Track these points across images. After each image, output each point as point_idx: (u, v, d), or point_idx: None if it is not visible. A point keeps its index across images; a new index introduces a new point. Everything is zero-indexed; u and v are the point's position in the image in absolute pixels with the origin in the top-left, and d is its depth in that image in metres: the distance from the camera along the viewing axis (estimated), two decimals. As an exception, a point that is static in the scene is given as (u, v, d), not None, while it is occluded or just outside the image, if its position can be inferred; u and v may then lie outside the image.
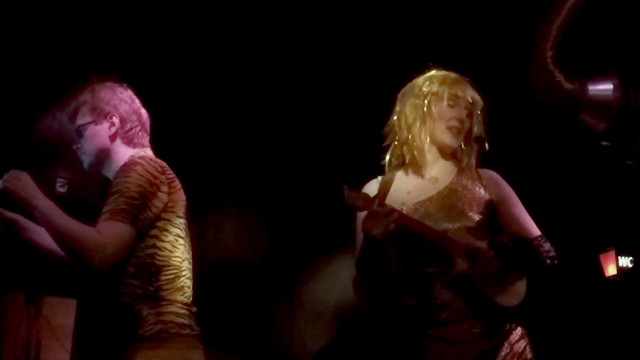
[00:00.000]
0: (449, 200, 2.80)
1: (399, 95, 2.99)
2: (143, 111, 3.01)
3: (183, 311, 2.74)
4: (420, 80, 2.96)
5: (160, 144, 3.11)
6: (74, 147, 2.96)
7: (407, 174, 2.91)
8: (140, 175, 2.67)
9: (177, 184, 2.84)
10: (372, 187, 2.89)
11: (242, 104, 5.34)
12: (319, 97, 5.36)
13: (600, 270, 6.64)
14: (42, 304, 3.85)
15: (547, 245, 2.76)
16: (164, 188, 2.73)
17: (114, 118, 2.89)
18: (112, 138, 2.89)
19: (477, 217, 2.77)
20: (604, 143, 2.20)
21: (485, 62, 4.89)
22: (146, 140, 2.99)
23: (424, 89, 2.91)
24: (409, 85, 2.99)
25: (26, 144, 4.53)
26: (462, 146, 2.94)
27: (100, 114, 2.88)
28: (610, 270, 6.63)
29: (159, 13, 4.89)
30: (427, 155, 2.88)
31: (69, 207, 2.89)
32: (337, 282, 5.34)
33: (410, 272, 2.71)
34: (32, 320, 3.78)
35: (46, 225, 2.64)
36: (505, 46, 4.53)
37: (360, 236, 2.72)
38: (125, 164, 2.77)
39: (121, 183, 2.65)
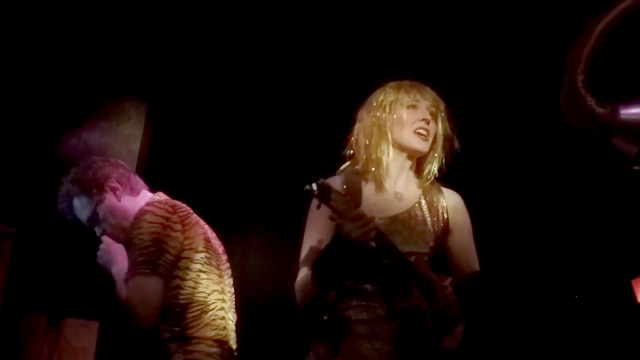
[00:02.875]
0: (413, 222, 2.70)
1: (358, 114, 2.88)
2: (117, 160, 3.07)
3: (213, 350, 2.73)
4: (375, 94, 2.87)
5: (184, 173, 3.13)
6: (98, 234, 2.96)
7: (369, 182, 2.75)
8: (151, 222, 2.70)
9: (193, 219, 2.86)
10: (337, 186, 2.65)
11: (272, 129, 5.34)
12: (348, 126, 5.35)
13: (632, 296, 6.55)
14: (64, 326, 3.85)
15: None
16: (177, 227, 2.75)
17: (111, 183, 2.91)
18: (120, 199, 2.90)
19: (431, 244, 2.70)
20: (637, 168, 2.15)
21: (516, 84, 4.85)
22: (140, 181, 3.03)
23: (381, 100, 2.81)
24: (365, 102, 2.89)
25: (51, 164, 4.57)
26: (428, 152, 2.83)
27: (98, 191, 2.89)
28: (643, 296, 6.56)
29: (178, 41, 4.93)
30: (391, 166, 2.76)
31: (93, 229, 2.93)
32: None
33: (361, 289, 2.59)
34: (53, 343, 3.78)
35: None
36: (535, 69, 4.49)
37: (314, 238, 2.64)
38: (135, 217, 2.78)
39: (135, 237, 2.69)
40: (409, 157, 2.79)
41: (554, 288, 5.87)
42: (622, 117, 2.11)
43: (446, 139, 2.82)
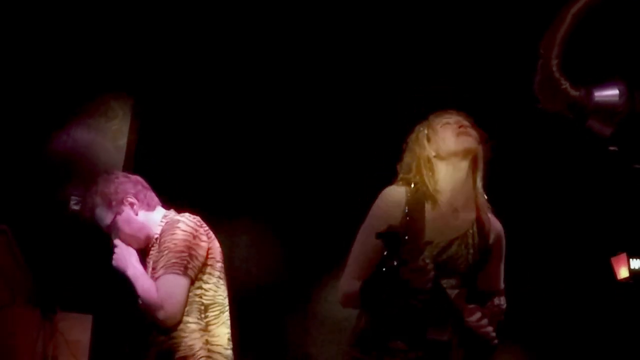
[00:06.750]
0: (463, 248, 2.80)
1: (399, 166, 2.99)
2: (139, 177, 3.35)
3: (229, 352, 3.12)
4: (410, 139, 2.97)
5: (172, 167, 3.25)
6: (115, 241, 3.24)
7: (428, 199, 2.82)
8: (184, 230, 3.06)
9: (212, 234, 3.21)
10: (398, 200, 2.79)
11: (257, 122, 5.39)
12: (334, 116, 5.39)
13: (612, 273, 6.66)
14: (58, 320, 3.88)
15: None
16: (204, 238, 3.12)
17: (129, 198, 3.21)
18: (137, 214, 3.21)
19: (472, 269, 2.81)
20: (612, 148, 2.20)
21: (492, 71, 4.91)
22: (155, 197, 3.32)
23: (415, 139, 2.93)
24: (404, 149, 2.98)
25: (41, 161, 4.61)
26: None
27: (117, 205, 3.20)
28: (622, 273, 6.67)
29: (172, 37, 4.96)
30: (445, 181, 2.83)
31: (83, 225, 3.06)
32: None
33: (402, 318, 2.67)
34: (48, 337, 3.82)
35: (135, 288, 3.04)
36: (510, 55, 4.55)
37: (369, 249, 2.71)
38: (168, 223, 3.13)
39: (168, 240, 3.04)
40: (463, 159, 2.84)
41: (537, 266, 5.96)
42: (596, 99, 2.17)
43: (482, 142, 2.89)
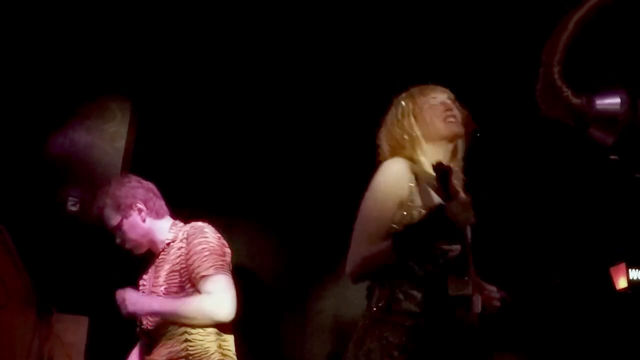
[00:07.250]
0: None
1: (379, 135, 2.98)
2: (151, 184, 3.40)
3: (233, 349, 3.23)
4: (391, 112, 2.97)
5: (170, 169, 3.27)
6: (117, 241, 3.33)
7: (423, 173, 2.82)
8: (213, 235, 3.19)
9: None
10: (403, 171, 2.75)
11: (255, 123, 5.39)
12: (333, 118, 5.39)
13: (611, 283, 6.66)
14: (54, 322, 3.89)
15: None
16: (226, 244, 3.25)
17: (138, 204, 3.28)
18: (144, 220, 3.28)
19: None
20: (613, 157, 2.19)
21: (493, 77, 4.91)
22: (165, 207, 3.38)
23: (401, 114, 2.92)
24: (383, 123, 2.98)
25: (39, 163, 4.62)
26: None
27: (126, 209, 3.27)
28: (621, 283, 6.67)
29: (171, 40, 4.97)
30: (432, 157, 2.81)
31: (81, 225, 3.05)
32: (347, 296, 5.35)
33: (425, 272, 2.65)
34: (43, 338, 3.82)
35: (171, 317, 3.11)
36: (511, 61, 4.54)
37: (386, 214, 2.69)
38: (194, 228, 3.21)
39: (204, 242, 3.14)
40: (450, 142, 2.89)
41: (536, 275, 5.95)
42: (597, 107, 2.16)
43: (466, 123, 2.92)
